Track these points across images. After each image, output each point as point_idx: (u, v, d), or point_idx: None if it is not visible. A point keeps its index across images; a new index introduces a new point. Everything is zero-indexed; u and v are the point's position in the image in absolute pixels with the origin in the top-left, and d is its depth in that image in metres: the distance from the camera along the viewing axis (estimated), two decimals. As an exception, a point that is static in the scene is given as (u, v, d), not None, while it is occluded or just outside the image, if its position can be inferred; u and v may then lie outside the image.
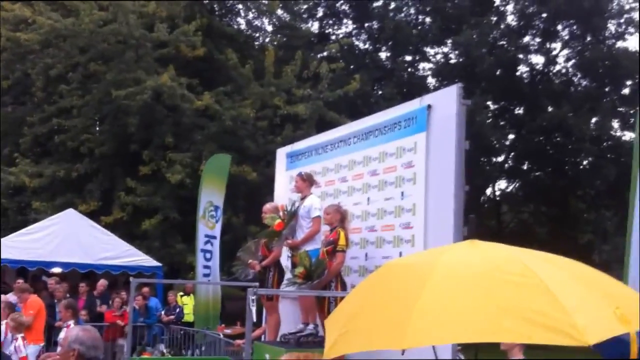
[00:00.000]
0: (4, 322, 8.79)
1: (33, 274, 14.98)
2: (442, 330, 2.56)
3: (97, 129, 20.08)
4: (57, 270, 14.26)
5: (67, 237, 14.18)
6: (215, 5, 23.50)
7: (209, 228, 13.83)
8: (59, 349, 9.13)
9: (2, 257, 13.74)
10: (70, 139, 18.99)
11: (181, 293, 15.46)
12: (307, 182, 7.77)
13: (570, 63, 27.01)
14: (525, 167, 28.79)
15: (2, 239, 14.57)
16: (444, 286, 2.69)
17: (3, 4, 18.65)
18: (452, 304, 2.59)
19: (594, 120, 25.21)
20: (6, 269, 14.57)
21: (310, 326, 7.28)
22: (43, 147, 20.99)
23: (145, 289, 14.40)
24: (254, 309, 5.35)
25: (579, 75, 26.94)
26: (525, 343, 5.10)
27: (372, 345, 2.87)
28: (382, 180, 7.21)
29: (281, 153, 9.89)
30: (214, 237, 13.87)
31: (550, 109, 25.28)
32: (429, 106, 6.50)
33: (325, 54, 23.51)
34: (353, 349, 3.13)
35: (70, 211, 15.19)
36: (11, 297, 12.07)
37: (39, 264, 14.08)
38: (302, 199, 7.72)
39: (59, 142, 19.26)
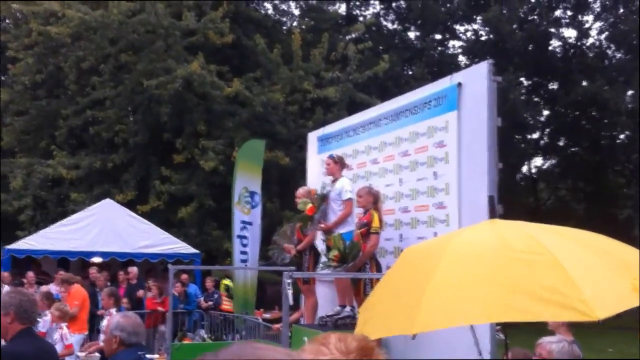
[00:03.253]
0: (48, 313, 8.97)
1: (75, 264, 15.28)
2: (451, 313, 2.54)
3: (131, 119, 20.29)
4: (97, 259, 14.51)
5: (105, 227, 14.40)
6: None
7: (244, 214, 13.92)
8: (101, 336, 9.34)
9: (43, 248, 14.06)
10: (105, 130, 19.23)
11: (226, 278, 15.68)
12: (338, 164, 7.77)
13: (603, 35, 26.46)
14: (561, 143, 28.40)
15: (42, 231, 14.89)
16: (454, 268, 2.66)
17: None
18: (461, 286, 2.57)
19: (629, 93, 24.71)
20: (47, 260, 14.88)
21: (347, 308, 7.31)
22: (79, 139, 21.30)
23: (184, 276, 14.57)
24: (290, 293, 5.39)
25: (612, 48, 26.39)
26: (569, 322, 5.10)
27: (388, 331, 2.89)
28: (413, 161, 7.18)
29: (312, 137, 9.90)
30: (250, 223, 13.95)
31: (584, 83, 24.85)
32: (460, 84, 6.45)
33: (353, 35, 23.37)
34: (373, 336, 3.18)
35: (108, 201, 15.41)
36: (52, 288, 12.35)
37: (80, 254, 14.34)
38: (333, 181, 7.73)
39: (93, 133, 19.51)
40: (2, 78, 25.35)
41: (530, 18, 25.61)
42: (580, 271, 2.50)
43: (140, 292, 13.77)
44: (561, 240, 2.81)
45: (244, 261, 13.80)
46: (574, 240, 2.90)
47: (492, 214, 3.05)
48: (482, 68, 6.28)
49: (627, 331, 16.06)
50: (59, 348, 7.60)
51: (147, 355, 4.42)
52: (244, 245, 13.78)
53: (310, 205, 7.70)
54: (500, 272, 2.58)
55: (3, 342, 4.29)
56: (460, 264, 2.69)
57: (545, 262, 2.54)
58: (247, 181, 13.97)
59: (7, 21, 24.40)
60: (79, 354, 9.90)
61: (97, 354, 9.46)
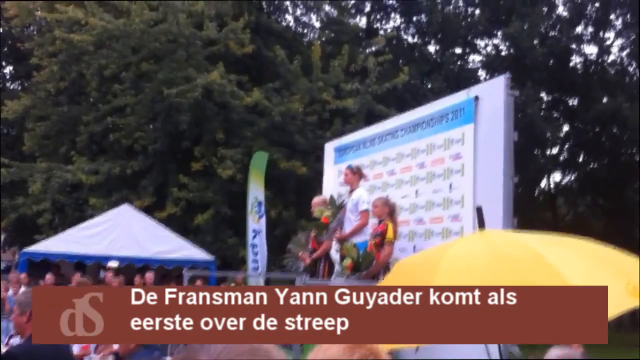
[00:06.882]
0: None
1: (92, 268, 15.38)
2: None
3: (150, 126, 20.41)
4: (113, 264, 14.60)
5: (122, 232, 14.50)
6: (263, 3, 23.67)
7: (255, 223, 14.01)
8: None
9: (59, 251, 14.18)
10: (125, 137, 19.39)
11: (233, 284, 15.70)
12: (356, 174, 7.81)
13: (624, 52, 26.36)
14: (580, 159, 28.23)
15: (59, 234, 15.02)
16: (450, 282, 2.67)
17: (57, 6, 19.14)
18: None
19: (650, 110, 24.52)
20: (64, 264, 15.00)
21: (360, 318, 7.31)
22: (98, 145, 21.47)
23: (199, 282, 14.64)
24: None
25: (633, 65, 26.26)
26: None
27: (387, 344, 2.87)
28: (430, 173, 7.21)
29: (329, 147, 9.96)
30: (259, 232, 14.02)
31: (605, 99, 24.73)
32: (477, 97, 6.48)
33: (373, 48, 23.43)
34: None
35: (126, 206, 15.51)
36: (70, 291, 12.39)
37: (96, 258, 14.44)
38: (350, 192, 7.77)
39: (113, 140, 19.68)
40: (26, 84, 25.67)
41: (551, 34, 25.56)
42: (577, 277, 2.52)
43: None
44: (556, 247, 2.82)
45: (255, 269, 13.86)
46: (568, 247, 2.91)
47: (481, 225, 3.08)
48: (499, 82, 6.30)
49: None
50: (75, 349, 7.67)
51: (165, 357, 4.47)
52: (255, 254, 13.85)
53: (325, 213, 7.74)
54: (498, 281, 2.59)
55: (19, 340, 4.37)
56: (456, 277, 2.70)
57: (543, 269, 2.55)
58: (256, 191, 14.08)
59: (32, 29, 24.74)
60: (94, 355, 9.97)
61: (112, 356, 9.52)
